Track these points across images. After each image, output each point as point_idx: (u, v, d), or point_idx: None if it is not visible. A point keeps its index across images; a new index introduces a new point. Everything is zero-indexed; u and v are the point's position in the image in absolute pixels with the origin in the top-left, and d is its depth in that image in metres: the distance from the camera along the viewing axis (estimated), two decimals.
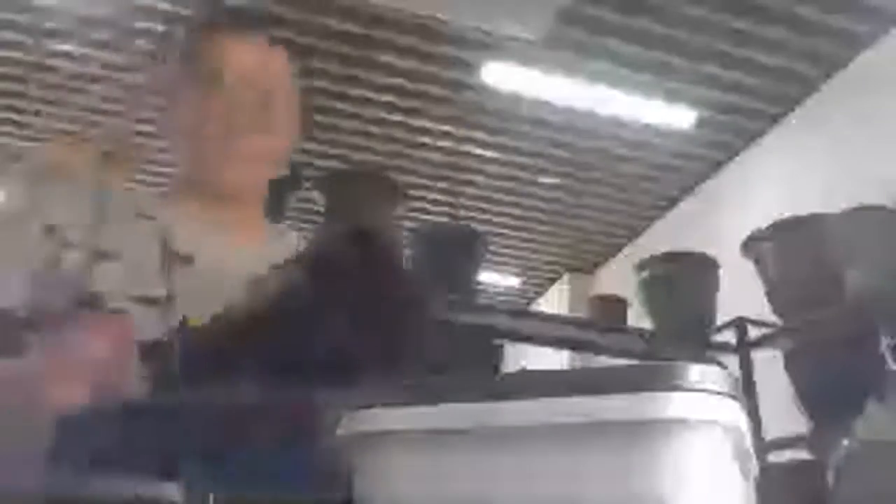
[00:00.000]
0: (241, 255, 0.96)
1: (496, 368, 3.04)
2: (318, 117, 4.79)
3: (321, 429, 0.63)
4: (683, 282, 3.25)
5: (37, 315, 0.86)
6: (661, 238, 5.59)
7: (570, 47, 4.12)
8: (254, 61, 1.10)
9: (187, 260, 0.98)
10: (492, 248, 4.60)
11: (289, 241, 1.15)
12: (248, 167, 1.09)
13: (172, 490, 0.67)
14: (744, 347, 3.12)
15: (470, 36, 3.99)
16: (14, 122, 5.02)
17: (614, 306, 3.92)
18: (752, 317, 3.15)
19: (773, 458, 2.85)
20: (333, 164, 4.92)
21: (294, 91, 1.14)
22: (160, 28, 4.09)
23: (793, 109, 4.59)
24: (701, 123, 4.72)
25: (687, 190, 5.53)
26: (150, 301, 0.93)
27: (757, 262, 3.09)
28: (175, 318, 0.88)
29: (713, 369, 0.54)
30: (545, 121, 4.77)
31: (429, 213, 5.72)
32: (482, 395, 0.56)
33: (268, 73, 1.10)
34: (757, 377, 3.05)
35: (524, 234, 6.24)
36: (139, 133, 5.04)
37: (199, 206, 1.07)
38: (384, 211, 3.02)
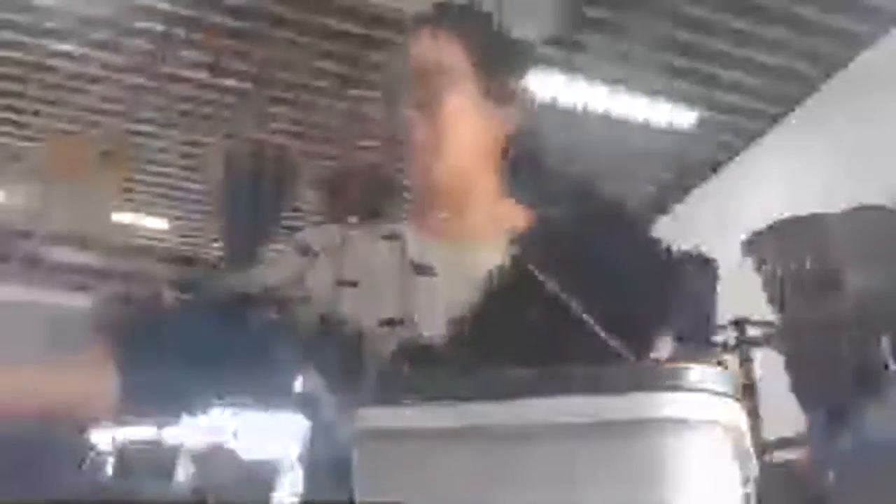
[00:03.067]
0: (473, 252, 0.98)
1: None
2: (318, 117, 4.80)
3: None
4: (683, 282, 3.25)
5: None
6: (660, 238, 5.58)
7: (571, 47, 4.11)
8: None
9: (427, 270, 1.00)
10: None
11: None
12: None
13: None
14: (744, 347, 3.12)
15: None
16: (14, 122, 5.02)
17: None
18: (752, 317, 3.15)
19: (773, 458, 2.85)
20: (333, 163, 4.91)
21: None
22: (160, 28, 4.09)
23: (793, 109, 4.59)
24: (701, 123, 4.72)
25: (687, 190, 5.53)
26: (393, 322, 0.95)
27: (757, 261, 3.09)
28: (415, 332, 0.93)
29: (713, 369, 0.54)
30: (545, 121, 4.76)
31: None
32: (483, 395, 0.57)
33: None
34: (757, 377, 3.05)
35: None
36: (139, 133, 5.04)
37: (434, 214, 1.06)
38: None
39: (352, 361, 0.95)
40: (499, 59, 1.06)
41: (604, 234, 0.83)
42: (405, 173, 1.05)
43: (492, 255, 0.92)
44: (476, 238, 1.01)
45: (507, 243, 0.82)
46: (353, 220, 1.12)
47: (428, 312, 0.95)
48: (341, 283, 1.00)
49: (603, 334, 0.73)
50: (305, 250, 1.04)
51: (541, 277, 0.76)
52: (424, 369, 0.88)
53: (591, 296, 0.79)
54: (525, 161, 1.09)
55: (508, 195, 1.07)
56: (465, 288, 0.86)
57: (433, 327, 0.92)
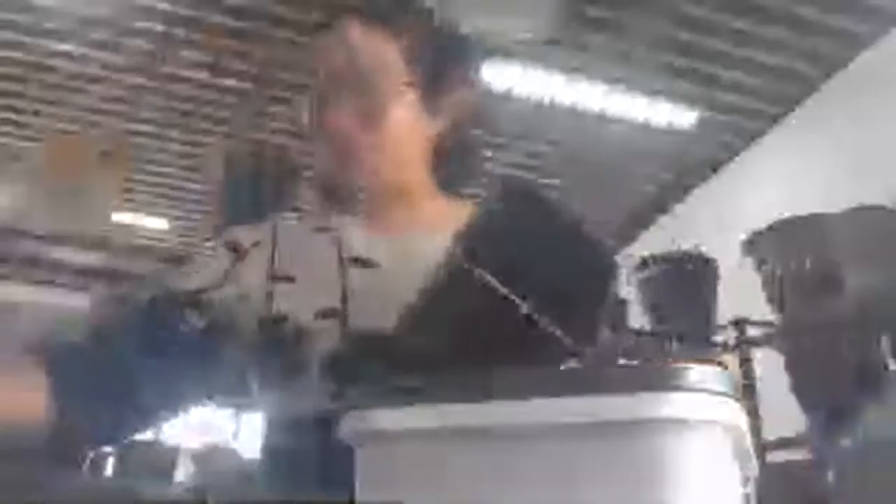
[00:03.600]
0: (417, 245, 0.96)
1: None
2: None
3: None
4: (683, 282, 3.25)
5: None
6: (660, 238, 5.59)
7: (571, 47, 4.12)
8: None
9: (364, 263, 0.99)
10: None
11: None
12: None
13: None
14: (744, 347, 3.12)
15: (470, 35, 3.99)
16: (14, 122, 5.02)
17: (614, 306, 3.93)
18: (752, 317, 3.15)
19: (773, 458, 2.85)
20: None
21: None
22: (160, 28, 4.09)
23: (793, 109, 4.59)
24: (701, 123, 4.72)
25: (687, 190, 5.53)
26: (329, 312, 0.94)
27: (757, 261, 3.09)
28: (353, 324, 0.92)
29: (713, 369, 0.54)
30: (545, 121, 4.77)
31: None
32: (482, 395, 0.57)
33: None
34: (757, 377, 3.05)
35: None
36: (139, 133, 5.05)
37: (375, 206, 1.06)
38: None
39: (295, 356, 0.94)
40: (437, 55, 1.06)
41: (539, 229, 0.82)
42: (338, 170, 1.04)
43: (429, 249, 0.91)
44: (413, 232, 1.00)
45: (446, 238, 0.81)
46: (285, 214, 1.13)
47: (369, 304, 0.94)
48: (277, 278, 0.99)
49: (544, 326, 0.73)
50: (235, 248, 1.03)
51: (476, 273, 0.75)
52: (372, 361, 0.88)
53: (529, 290, 0.78)
54: (463, 156, 1.09)
55: (445, 189, 1.08)
56: (404, 281, 0.86)
57: (375, 319, 0.90)
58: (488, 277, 0.73)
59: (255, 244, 1.03)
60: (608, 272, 0.83)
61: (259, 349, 0.97)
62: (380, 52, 1.02)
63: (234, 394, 1.03)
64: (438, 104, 1.05)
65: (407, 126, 1.03)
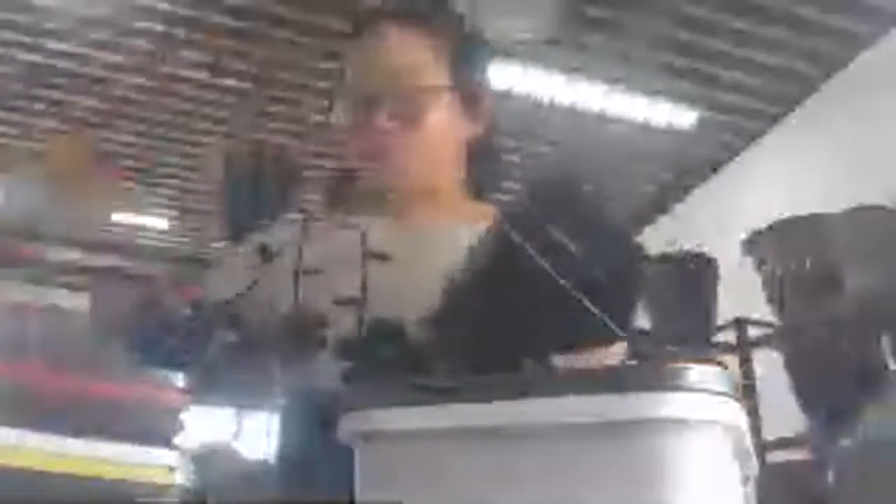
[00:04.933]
0: (438, 242, 0.98)
1: None
2: (317, 117, 4.79)
3: None
4: (683, 282, 3.25)
5: None
6: (660, 238, 5.58)
7: (571, 47, 4.11)
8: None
9: (383, 257, 1.02)
10: None
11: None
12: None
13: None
14: (744, 347, 3.12)
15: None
16: (14, 122, 5.02)
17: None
18: (752, 317, 3.15)
19: (773, 458, 2.85)
20: (332, 163, 4.91)
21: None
22: (160, 28, 4.09)
23: (793, 109, 4.59)
24: (701, 123, 4.72)
25: (687, 190, 5.52)
26: (347, 300, 0.98)
27: (757, 261, 3.09)
28: (373, 312, 0.97)
29: (713, 369, 0.54)
30: (545, 121, 4.77)
31: None
32: (483, 395, 0.57)
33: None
34: (757, 377, 3.05)
35: None
36: (139, 133, 5.04)
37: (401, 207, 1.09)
38: None
39: (312, 341, 0.98)
40: (469, 60, 1.09)
41: (574, 217, 0.82)
42: (371, 171, 1.07)
43: (454, 244, 0.90)
44: (439, 228, 1.02)
45: (470, 234, 0.82)
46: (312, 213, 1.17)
47: (392, 295, 0.96)
48: (305, 272, 1.03)
49: (586, 304, 0.72)
50: (265, 252, 1.07)
51: (521, 245, 0.75)
52: (384, 345, 0.92)
53: (569, 275, 0.78)
54: (490, 160, 1.13)
55: (472, 192, 1.11)
56: (426, 274, 0.87)
57: (397, 309, 0.94)
58: (539, 259, 0.73)
59: (285, 244, 1.07)
60: (640, 259, 0.85)
61: (281, 339, 1.02)
62: (418, 54, 1.05)
63: (264, 387, 1.10)
64: (472, 109, 1.08)
65: (442, 129, 1.05)
